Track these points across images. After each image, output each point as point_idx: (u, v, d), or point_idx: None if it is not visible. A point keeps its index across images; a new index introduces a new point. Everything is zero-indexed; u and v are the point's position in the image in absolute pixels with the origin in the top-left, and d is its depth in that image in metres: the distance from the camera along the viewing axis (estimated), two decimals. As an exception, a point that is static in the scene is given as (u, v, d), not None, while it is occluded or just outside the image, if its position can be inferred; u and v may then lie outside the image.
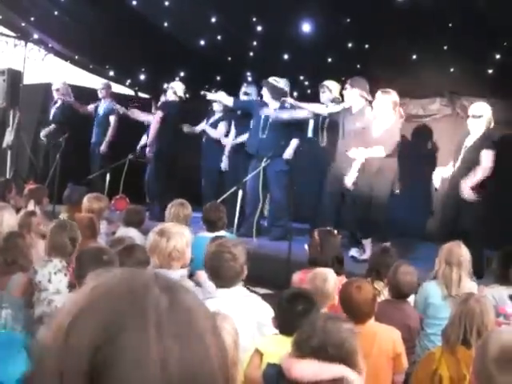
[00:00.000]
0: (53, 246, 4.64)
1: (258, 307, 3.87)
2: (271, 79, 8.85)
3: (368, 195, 7.52)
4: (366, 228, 7.68)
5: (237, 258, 3.94)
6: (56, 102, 11.58)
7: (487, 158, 6.87)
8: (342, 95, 8.48)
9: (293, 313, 3.31)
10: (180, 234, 4.46)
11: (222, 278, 3.93)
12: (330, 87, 8.70)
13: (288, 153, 8.66)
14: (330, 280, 4.32)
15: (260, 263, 7.18)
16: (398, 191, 7.65)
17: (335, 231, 5.65)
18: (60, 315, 0.91)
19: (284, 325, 3.36)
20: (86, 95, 11.74)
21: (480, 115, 6.97)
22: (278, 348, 3.17)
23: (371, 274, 5.07)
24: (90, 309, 0.89)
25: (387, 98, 7.45)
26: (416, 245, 8.34)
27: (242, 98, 9.43)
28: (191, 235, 5.85)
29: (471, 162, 6.96)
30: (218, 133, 9.96)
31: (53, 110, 11.60)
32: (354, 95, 8.04)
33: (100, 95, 11.32)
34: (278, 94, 8.77)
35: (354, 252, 7.77)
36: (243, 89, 9.53)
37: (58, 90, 11.41)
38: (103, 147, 11.01)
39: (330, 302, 4.35)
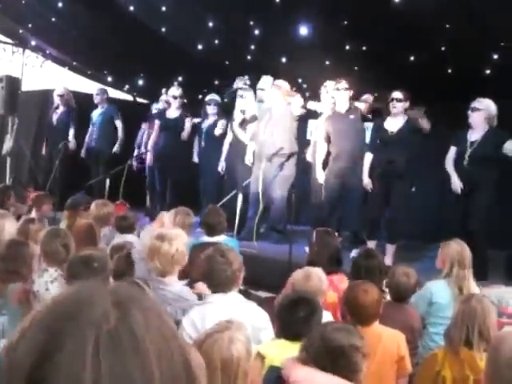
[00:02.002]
0: (46, 255, 4.63)
1: (253, 312, 3.84)
2: (282, 82, 8.89)
3: (386, 194, 7.53)
4: (376, 228, 7.66)
5: (230, 262, 3.90)
6: (58, 107, 11.58)
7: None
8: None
9: (294, 318, 3.31)
10: (180, 237, 4.47)
11: (214, 282, 3.92)
12: (328, 86, 8.72)
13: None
14: (323, 278, 4.34)
15: (261, 266, 7.20)
16: (413, 189, 7.75)
17: (333, 231, 5.64)
18: (16, 331, 0.91)
19: (286, 330, 3.35)
20: (85, 101, 11.75)
21: (479, 108, 6.98)
22: (279, 351, 3.18)
23: (354, 276, 5.00)
24: (33, 325, 0.89)
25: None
26: (425, 246, 8.31)
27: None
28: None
29: (481, 159, 6.92)
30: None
31: (55, 116, 11.60)
32: (346, 97, 8.18)
33: (96, 101, 11.33)
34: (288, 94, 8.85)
35: (354, 253, 7.76)
36: (241, 92, 9.51)
37: (62, 95, 11.40)
38: (116, 149, 11.09)
39: (326, 303, 4.41)
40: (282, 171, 8.22)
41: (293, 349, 3.11)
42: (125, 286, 0.98)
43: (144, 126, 11.50)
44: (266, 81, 9.33)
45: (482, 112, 6.97)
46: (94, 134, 11.26)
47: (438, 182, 8.53)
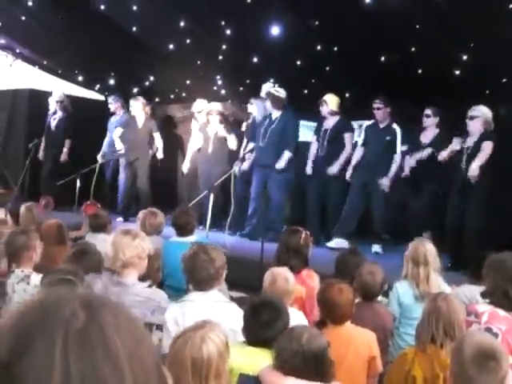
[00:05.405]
0: (9, 256, 4.60)
1: (233, 314, 3.79)
2: (273, 90, 9.18)
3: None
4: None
5: (213, 260, 3.91)
6: (55, 113, 11.54)
7: (488, 146, 7.40)
8: (340, 108, 9.09)
9: (257, 323, 3.27)
10: (142, 235, 4.44)
11: (196, 280, 3.90)
12: (327, 101, 9.05)
13: (280, 164, 9.03)
14: (290, 278, 4.31)
15: (233, 266, 7.17)
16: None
17: (301, 230, 5.63)
18: None
19: (250, 335, 3.31)
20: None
21: (476, 116, 7.47)
22: (247, 359, 3.15)
23: (338, 275, 5.03)
24: (3, 329, 0.89)
25: None
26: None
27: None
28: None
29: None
30: None
31: (54, 121, 11.55)
32: None
33: (112, 109, 11.48)
34: (279, 103, 9.13)
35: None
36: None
37: (61, 101, 11.39)
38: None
39: (293, 298, 4.39)
40: (280, 176, 8.98)
41: (261, 357, 3.09)
42: (93, 292, 0.98)
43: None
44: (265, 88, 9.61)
45: (480, 119, 7.48)
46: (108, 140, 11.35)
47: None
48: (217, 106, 10.18)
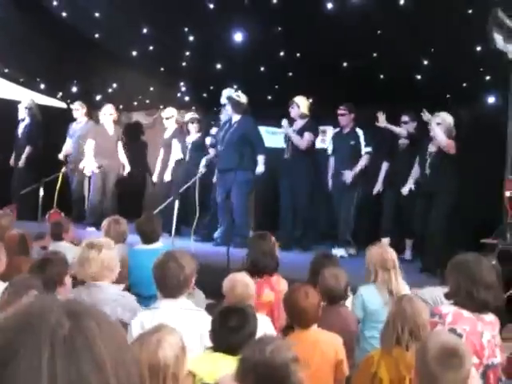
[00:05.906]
0: None
1: (202, 320, 3.76)
2: (234, 95, 9.14)
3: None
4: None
5: (182, 267, 3.88)
6: (24, 120, 11.45)
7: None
8: (310, 111, 9.12)
9: (225, 328, 3.24)
10: (109, 246, 4.43)
11: (165, 287, 3.89)
12: (299, 103, 9.09)
13: (259, 169, 9.04)
14: (250, 283, 4.30)
15: (200, 272, 7.14)
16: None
17: (269, 235, 5.63)
18: None
19: (217, 341, 3.28)
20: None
21: (438, 123, 7.54)
22: (211, 367, 3.11)
23: (313, 278, 5.06)
24: None
25: None
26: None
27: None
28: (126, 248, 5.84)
29: (437, 167, 7.60)
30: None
31: (21, 127, 11.46)
32: None
33: (75, 115, 11.30)
34: (239, 107, 9.09)
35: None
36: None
37: (30, 108, 11.26)
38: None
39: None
40: (241, 180, 8.90)
41: (225, 364, 3.06)
42: (76, 300, 1.00)
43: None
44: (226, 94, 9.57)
45: (442, 125, 7.55)
46: (73, 147, 11.15)
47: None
48: (194, 115, 10.21)
